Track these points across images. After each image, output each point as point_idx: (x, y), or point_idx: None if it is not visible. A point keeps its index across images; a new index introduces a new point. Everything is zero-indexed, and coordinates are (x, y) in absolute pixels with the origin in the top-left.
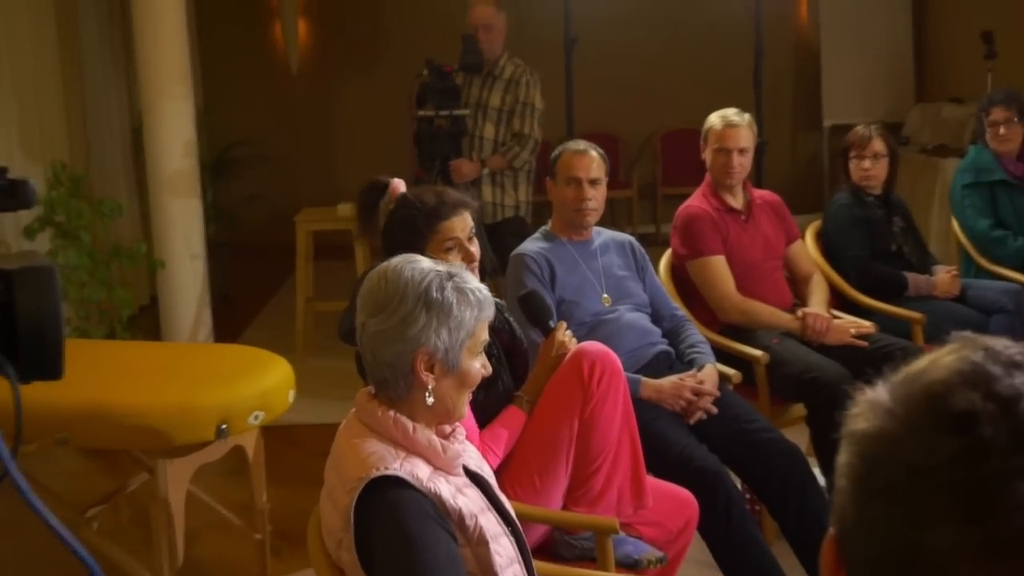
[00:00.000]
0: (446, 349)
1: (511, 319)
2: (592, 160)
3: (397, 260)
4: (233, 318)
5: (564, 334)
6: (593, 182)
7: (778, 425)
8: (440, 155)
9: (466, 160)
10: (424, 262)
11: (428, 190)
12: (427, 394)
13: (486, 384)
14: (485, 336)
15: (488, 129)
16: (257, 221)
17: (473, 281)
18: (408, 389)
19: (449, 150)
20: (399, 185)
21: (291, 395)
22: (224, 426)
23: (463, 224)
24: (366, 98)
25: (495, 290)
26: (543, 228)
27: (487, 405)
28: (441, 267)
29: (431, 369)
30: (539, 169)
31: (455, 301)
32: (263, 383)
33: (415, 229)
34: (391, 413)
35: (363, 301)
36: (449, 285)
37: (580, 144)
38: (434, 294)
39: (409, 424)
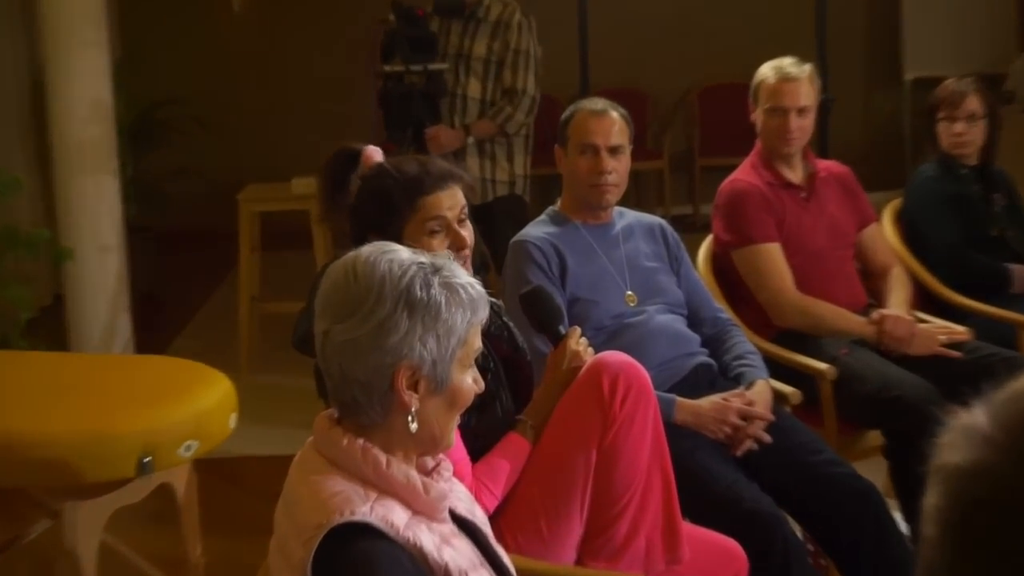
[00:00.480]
0: (433, 361)
1: (510, 323)
2: (612, 123)
3: (369, 250)
4: (159, 322)
5: (578, 342)
6: (613, 150)
7: (848, 457)
8: (413, 121)
9: (445, 127)
10: (402, 252)
11: (409, 158)
12: (410, 418)
13: (480, 405)
14: (479, 344)
15: (473, 86)
16: (189, 200)
17: (464, 275)
18: (385, 413)
19: (424, 114)
20: (375, 153)
21: (232, 420)
22: (147, 459)
23: (452, 200)
24: (326, 48)
25: (490, 288)
26: (551, 209)
27: (481, 432)
28: (424, 258)
29: (415, 387)
30: (542, 134)
31: (444, 301)
32: (197, 405)
33: (389, 204)
34: (359, 442)
35: (326, 302)
36: (436, 280)
37: (597, 103)
38: (418, 292)
39: (382, 457)
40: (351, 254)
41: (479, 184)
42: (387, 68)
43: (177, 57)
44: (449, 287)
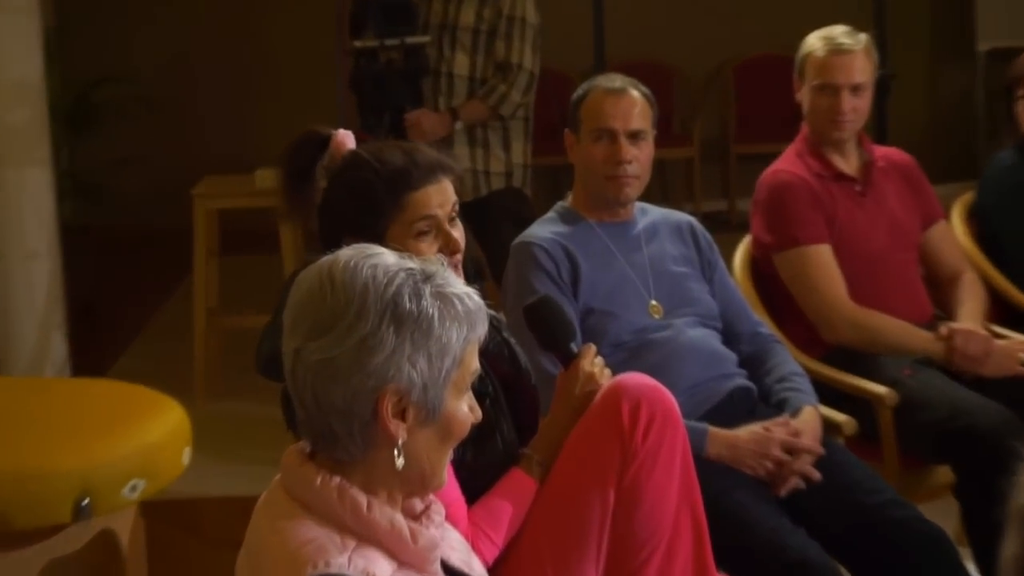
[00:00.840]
0: (424, 385)
1: (512, 340)
2: (633, 103)
3: (348, 254)
4: (99, 340)
5: (593, 362)
6: (634, 136)
7: (912, 498)
8: (390, 105)
9: (428, 111)
10: (387, 256)
11: (391, 146)
12: (396, 452)
13: (477, 437)
14: (476, 365)
15: (460, 61)
16: (136, 196)
17: (458, 284)
18: (366, 446)
19: (403, 97)
20: (346, 138)
21: (186, 455)
22: (86, 502)
23: (443, 196)
24: (294, 20)
25: (488, 299)
26: (560, 204)
27: (479, 469)
28: (413, 263)
29: (402, 415)
30: (550, 117)
31: (437, 314)
32: (144, 437)
33: (370, 201)
34: (335, 481)
35: (297, 316)
36: (427, 290)
37: (615, 80)
38: (407, 304)
39: (362, 498)
40: (326, 259)
41: (470, 177)
42: (358, 44)
43: (120, 28)
44: (443, 298)
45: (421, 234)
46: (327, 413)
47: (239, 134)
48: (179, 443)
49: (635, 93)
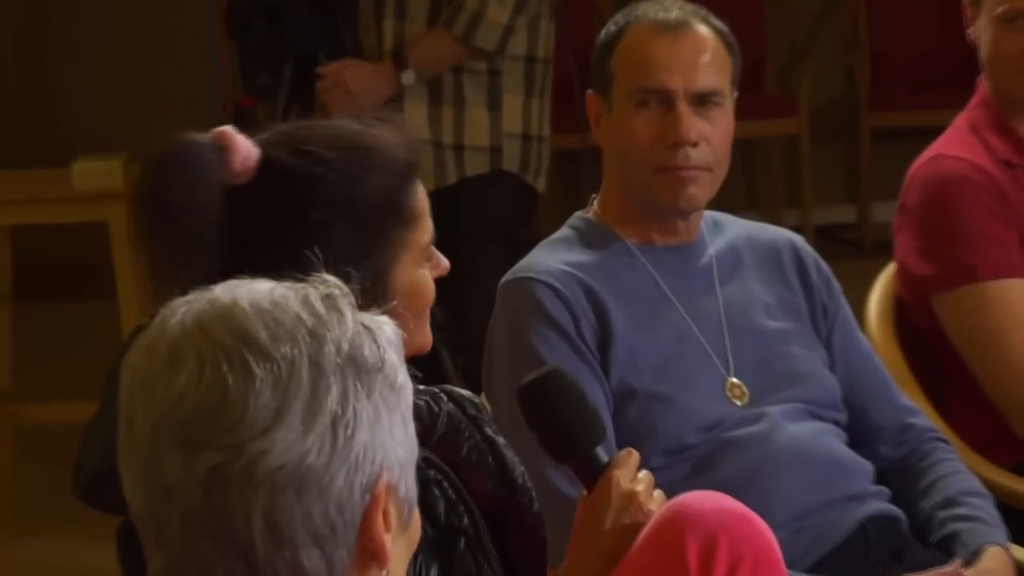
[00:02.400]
0: (403, 467)
1: (500, 441)
2: (700, 45)
3: (233, 294)
4: None
5: (635, 478)
6: (703, 100)
7: None
8: (293, 53)
9: (356, 61)
10: (266, 283)
11: (350, 130)
12: None
13: None
14: None
15: None
16: None
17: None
18: None
19: (313, 35)
20: (250, 152)
21: None
22: None
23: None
24: None
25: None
26: (579, 216)
27: None
28: (311, 289)
29: (388, 522)
30: (563, 68)
31: (396, 359)
32: None
33: (389, 216)
34: None
35: (193, 413)
36: (372, 325)
37: (669, 7)
38: (367, 352)
39: None
40: (185, 318)
41: (429, 153)
42: None
43: None
44: (383, 335)
45: (428, 259)
46: (296, 547)
47: (49, 106)
48: None
49: (703, 28)
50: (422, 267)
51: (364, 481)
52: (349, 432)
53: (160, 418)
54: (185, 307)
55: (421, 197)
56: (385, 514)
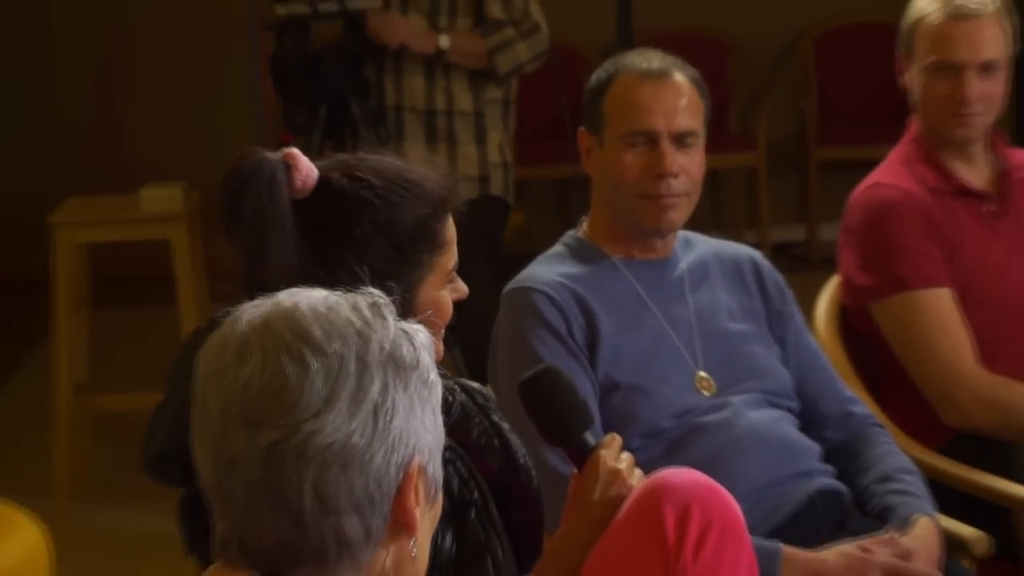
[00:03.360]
0: (432, 451)
1: (504, 426)
2: (679, 92)
3: (295, 299)
4: None
5: (619, 458)
6: (681, 139)
7: None
8: (328, 95)
9: (398, 15)
10: (333, 294)
11: (398, 166)
12: (411, 544)
13: (459, 561)
14: None
15: (415, 26)
16: None
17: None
18: (373, 550)
19: (344, 82)
20: (311, 171)
21: None
22: None
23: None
24: None
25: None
26: (571, 235)
27: None
28: (371, 298)
29: (417, 497)
30: (553, 105)
31: (428, 360)
32: None
33: (422, 241)
34: None
35: (254, 398)
36: (408, 329)
37: (652, 59)
38: (406, 352)
39: None
40: (255, 318)
41: None
42: (281, 10)
43: None
44: (417, 338)
45: (451, 281)
46: (340, 514)
47: (118, 139)
48: (35, 572)
49: (680, 77)
50: (444, 288)
51: (399, 460)
52: (388, 418)
53: (228, 401)
54: (252, 310)
55: (450, 227)
56: (416, 491)
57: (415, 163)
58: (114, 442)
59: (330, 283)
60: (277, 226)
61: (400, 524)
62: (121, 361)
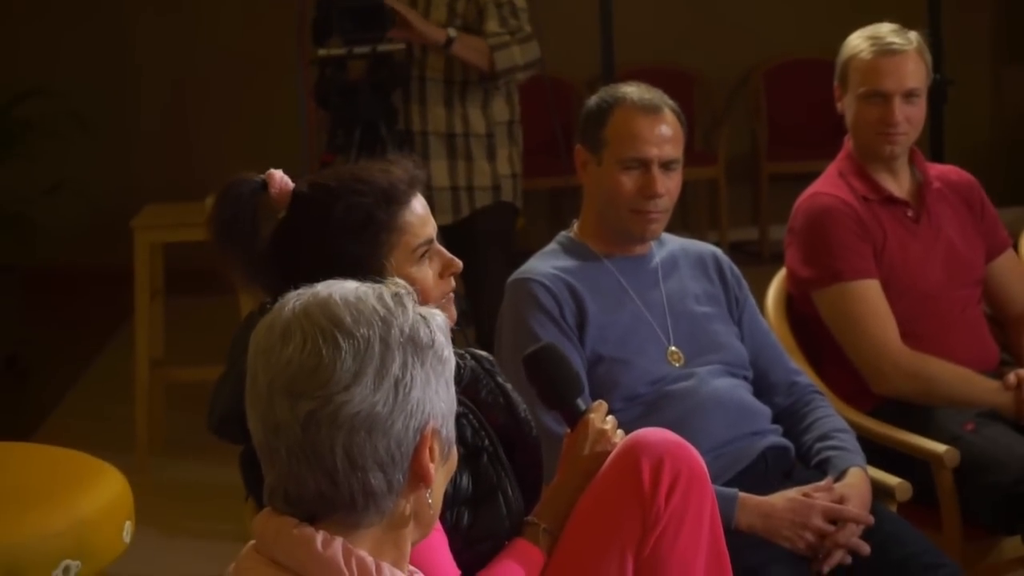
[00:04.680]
0: (445, 416)
1: (508, 387)
2: (669, 125)
3: (322, 291)
4: (25, 397)
5: (604, 420)
6: (667, 165)
7: (976, 574)
8: (362, 120)
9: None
10: (362, 284)
11: (360, 169)
12: (428, 494)
13: (475, 499)
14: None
15: (433, 63)
16: (66, 229)
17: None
18: (397, 498)
19: (375, 110)
20: (284, 182)
21: (127, 531)
22: None
23: (427, 210)
24: (248, 24)
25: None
26: (563, 235)
27: (478, 537)
28: (385, 288)
29: (432, 455)
30: (547, 127)
31: (443, 339)
32: (78, 511)
33: (370, 228)
34: (338, 542)
35: (296, 374)
36: (425, 314)
37: (646, 93)
38: (422, 334)
39: (371, 561)
40: (296, 304)
41: (449, 196)
42: (322, 52)
43: (47, 32)
44: (434, 321)
45: (423, 256)
46: (366, 471)
47: (187, 155)
48: (119, 517)
49: (668, 112)
50: (417, 265)
51: (416, 425)
52: (407, 391)
53: (274, 375)
54: (296, 298)
55: (408, 211)
56: (431, 450)
57: (390, 166)
58: (184, 407)
59: (308, 271)
60: (241, 239)
61: (417, 477)
62: (190, 340)
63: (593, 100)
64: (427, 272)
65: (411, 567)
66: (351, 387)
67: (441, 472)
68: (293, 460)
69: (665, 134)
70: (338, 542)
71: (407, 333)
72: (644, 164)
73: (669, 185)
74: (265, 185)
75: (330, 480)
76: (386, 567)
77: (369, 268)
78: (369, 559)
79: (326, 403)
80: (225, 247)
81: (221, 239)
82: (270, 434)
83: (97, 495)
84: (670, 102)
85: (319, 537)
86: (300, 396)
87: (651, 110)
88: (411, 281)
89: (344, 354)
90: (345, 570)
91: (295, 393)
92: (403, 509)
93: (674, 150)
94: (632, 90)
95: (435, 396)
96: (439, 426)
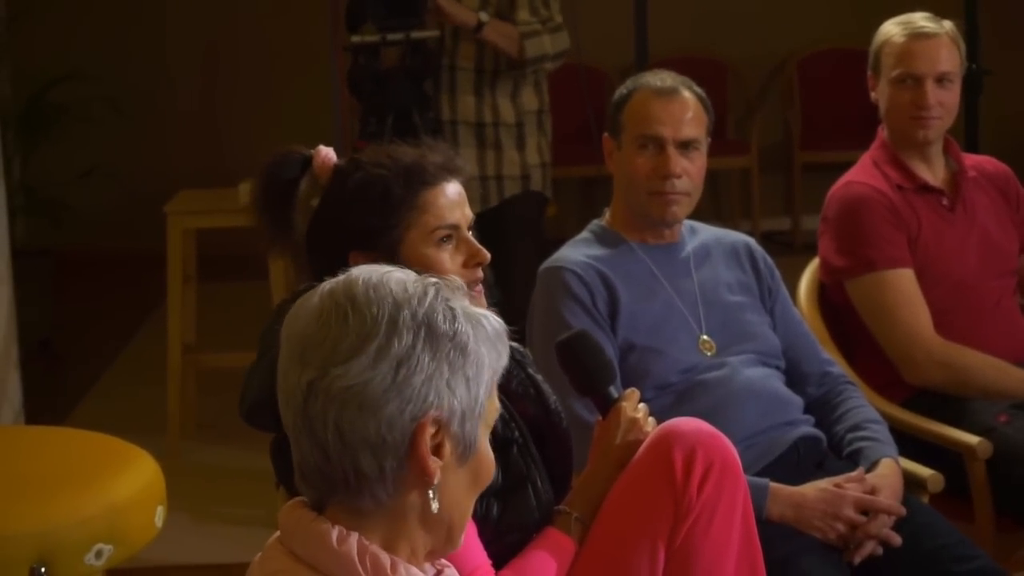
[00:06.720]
0: (463, 414)
1: (538, 378)
2: (686, 107)
3: (359, 271)
4: (58, 381)
5: (636, 408)
6: (686, 145)
7: (1009, 567)
8: (394, 107)
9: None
10: (404, 272)
11: (395, 148)
12: (431, 494)
13: (504, 490)
14: (497, 403)
15: (464, 52)
16: (100, 214)
17: (475, 305)
18: (396, 490)
19: (408, 97)
20: (329, 155)
21: (159, 515)
22: (42, 570)
23: (461, 197)
24: (281, 11)
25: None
26: (595, 223)
27: (508, 528)
28: (434, 278)
29: (438, 451)
30: (581, 115)
31: (472, 334)
32: (110, 495)
33: (386, 201)
34: (353, 538)
35: (308, 343)
36: (459, 307)
37: (665, 78)
38: (441, 322)
39: (385, 558)
40: (332, 281)
41: (478, 186)
42: (356, 39)
43: (83, 18)
44: (472, 318)
45: (443, 242)
46: (355, 450)
47: (220, 142)
48: (151, 502)
49: (688, 95)
50: (434, 247)
51: (413, 411)
52: (409, 373)
53: (293, 344)
54: (332, 280)
55: (432, 194)
56: (439, 445)
57: (428, 150)
58: (216, 393)
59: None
60: (280, 202)
61: (416, 472)
62: (222, 326)
63: (618, 89)
64: (443, 256)
65: (443, 560)
66: (349, 360)
67: (458, 475)
68: (298, 431)
69: (681, 114)
70: (353, 537)
71: (420, 318)
72: (659, 143)
73: (686, 165)
74: (310, 160)
75: (324, 455)
76: (401, 565)
77: (380, 241)
78: (384, 556)
79: (324, 374)
80: (270, 221)
81: (266, 213)
82: (285, 405)
83: (130, 480)
84: (693, 86)
85: (335, 532)
86: (306, 365)
87: (666, 92)
88: (423, 262)
89: (349, 329)
90: (359, 567)
91: (303, 361)
92: (404, 503)
93: (692, 131)
94: (651, 76)
95: (445, 388)
96: (446, 419)
